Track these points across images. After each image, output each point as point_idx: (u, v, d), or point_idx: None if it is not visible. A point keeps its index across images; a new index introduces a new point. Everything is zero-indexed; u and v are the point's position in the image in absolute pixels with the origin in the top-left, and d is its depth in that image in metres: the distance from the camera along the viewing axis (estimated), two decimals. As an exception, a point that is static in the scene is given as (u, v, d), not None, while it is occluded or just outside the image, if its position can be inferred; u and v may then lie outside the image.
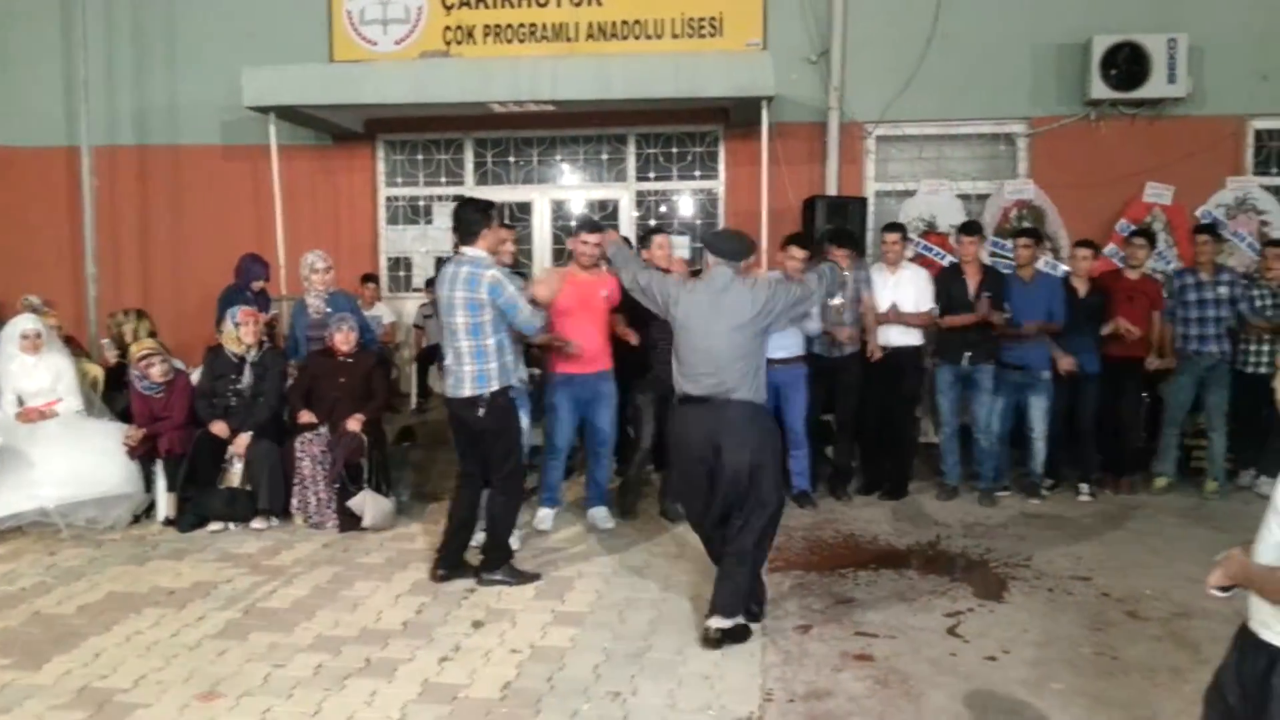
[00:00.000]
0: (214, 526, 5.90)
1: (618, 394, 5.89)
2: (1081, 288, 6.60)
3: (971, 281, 6.44)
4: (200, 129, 8.69)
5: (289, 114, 8.03)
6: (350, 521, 5.82)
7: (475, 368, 4.76)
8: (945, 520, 5.95)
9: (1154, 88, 7.84)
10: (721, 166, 8.65)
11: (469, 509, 5.04)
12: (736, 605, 4.16)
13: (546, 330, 5.36)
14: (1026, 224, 8.09)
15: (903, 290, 6.53)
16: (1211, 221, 7.37)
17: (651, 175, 8.77)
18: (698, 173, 8.75)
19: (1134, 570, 5.01)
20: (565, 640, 4.23)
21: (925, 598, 4.65)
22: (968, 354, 6.39)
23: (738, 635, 4.13)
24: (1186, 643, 4.08)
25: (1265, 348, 6.55)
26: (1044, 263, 7.73)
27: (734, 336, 4.17)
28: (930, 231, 8.17)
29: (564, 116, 8.35)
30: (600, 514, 5.91)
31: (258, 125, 8.10)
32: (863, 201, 8.03)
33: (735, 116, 8.28)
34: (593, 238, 5.68)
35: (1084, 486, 6.53)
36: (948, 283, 6.54)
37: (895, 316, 6.50)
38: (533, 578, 4.95)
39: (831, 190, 8.23)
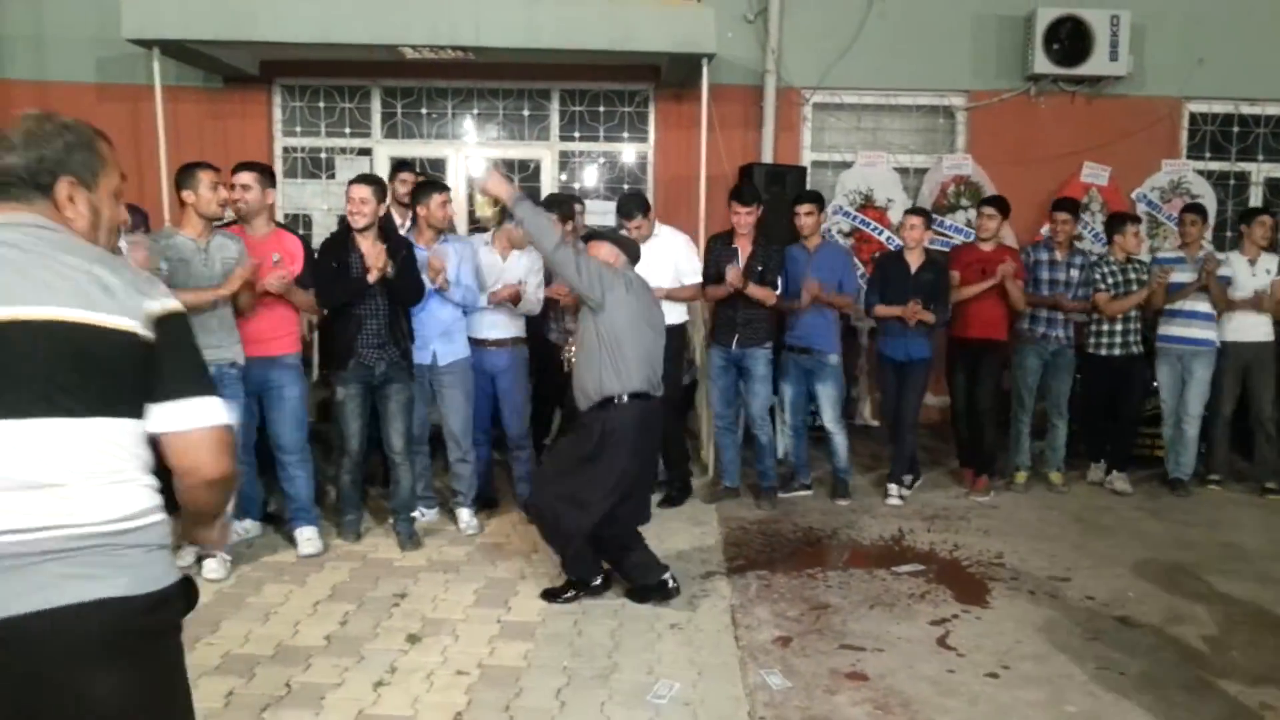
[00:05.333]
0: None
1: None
2: (914, 261, 5.89)
3: (742, 253, 5.65)
4: (72, 64, 7.68)
5: (174, 50, 7.13)
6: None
7: None
8: (903, 512, 5.65)
9: (1096, 65, 7.65)
10: (652, 128, 8.12)
11: None
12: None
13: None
14: (964, 200, 7.89)
15: (655, 260, 5.44)
16: (1067, 199, 6.67)
17: (576, 135, 8.19)
18: (625, 134, 8.20)
19: (1108, 569, 4.79)
20: (518, 658, 3.73)
21: (905, 602, 4.31)
22: (736, 336, 5.69)
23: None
24: (1189, 653, 3.84)
25: (1118, 327, 6.23)
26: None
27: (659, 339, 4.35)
28: (867, 205, 7.86)
29: (483, 67, 7.67)
30: (304, 534, 4.87)
31: (138, 62, 7.20)
32: (801, 171, 7.63)
33: (667, 75, 7.76)
34: (239, 177, 4.76)
35: (891, 488, 5.89)
36: (717, 254, 5.71)
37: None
38: None
39: (767, 158, 7.81)
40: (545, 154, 8.14)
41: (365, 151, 8.10)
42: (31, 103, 6.95)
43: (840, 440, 5.87)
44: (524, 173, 8.14)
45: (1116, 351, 6.25)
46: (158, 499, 1.75)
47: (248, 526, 4.98)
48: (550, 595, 4.30)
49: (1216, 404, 6.35)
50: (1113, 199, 7.80)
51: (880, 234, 7.71)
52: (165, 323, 1.74)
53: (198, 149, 7.76)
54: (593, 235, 4.46)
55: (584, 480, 4.10)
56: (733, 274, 5.46)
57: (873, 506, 5.76)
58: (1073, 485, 6.32)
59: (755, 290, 5.53)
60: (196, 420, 1.73)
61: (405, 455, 4.97)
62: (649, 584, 4.27)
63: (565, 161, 8.19)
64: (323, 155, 8.14)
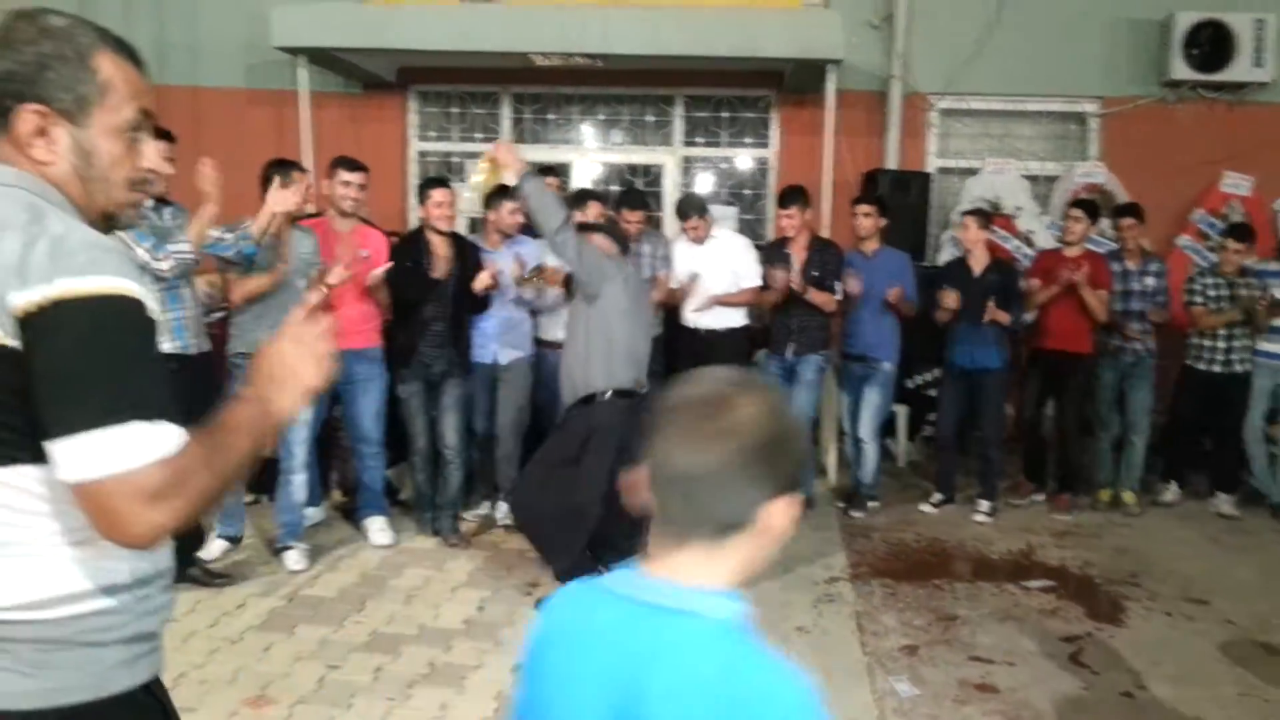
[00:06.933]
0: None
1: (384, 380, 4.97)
2: (977, 266, 5.72)
3: (797, 259, 5.54)
4: (224, 71, 8.12)
5: (318, 58, 7.50)
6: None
7: None
8: (1032, 527, 5.57)
9: (1238, 70, 7.39)
10: (774, 134, 8.16)
11: None
12: None
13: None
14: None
15: (712, 264, 5.58)
16: (1129, 204, 6.41)
17: (699, 141, 8.28)
18: (748, 140, 8.26)
19: (1249, 593, 4.64)
20: (648, 652, 3.83)
21: (1035, 617, 4.28)
22: (792, 344, 5.58)
23: None
24: (1337, 683, 3.73)
25: (1220, 344, 5.90)
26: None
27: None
28: (995, 213, 7.73)
29: (608, 74, 7.83)
30: (375, 524, 4.98)
31: (284, 69, 7.58)
32: (926, 177, 7.58)
33: (790, 81, 7.79)
34: (354, 177, 4.90)
35: (983, 504, 5.67)
36: (769, 259, 5.61)
37: (707, 299, 5.56)
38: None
39: (892, 164, 7.77)
40: (668, 159, 8.25)
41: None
42: (185, 107, 7.22)
43: (871, 451, 5.70)
44: (647, 177, 8.27)
45: (1218, 369, 5.93)
46: (84, 581, 1.26)
47: (311, 514, 5.06)
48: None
49: None
50: (1255, 210, 7.52)
51: (1008, 242, 7.58)
52: (38, 319, 1.16)
53: (338, 151, 8.11)
54: (585, 227, 4.32)
55: (569, 485, 3.98)
56: (781, 277, 5.36)
57: (999, 521, 5.68)
58: (1145, 508, 5.94)
59: (815, 295, 5.44)
60: (103, 464, 1.14)
61: (458, 451, 4.99)
62: None
63: (688, 167, 8.29)
64: (454, 159, 8.41)
